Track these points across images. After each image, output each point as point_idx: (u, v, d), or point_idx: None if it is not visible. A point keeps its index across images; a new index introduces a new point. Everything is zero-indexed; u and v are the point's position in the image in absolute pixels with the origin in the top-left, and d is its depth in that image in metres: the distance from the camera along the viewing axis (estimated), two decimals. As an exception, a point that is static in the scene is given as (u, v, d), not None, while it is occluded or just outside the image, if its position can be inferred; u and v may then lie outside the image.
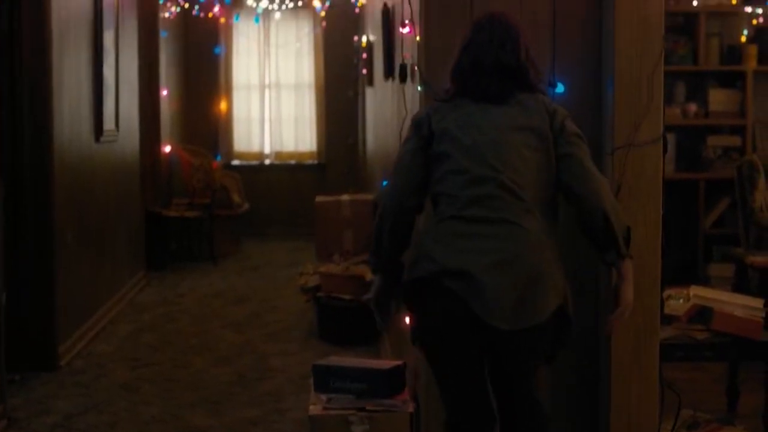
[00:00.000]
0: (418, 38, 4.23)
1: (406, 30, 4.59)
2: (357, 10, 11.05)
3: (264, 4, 11.44)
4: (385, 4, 5.96)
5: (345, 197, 8.48)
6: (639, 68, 3.92)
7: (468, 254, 3.37)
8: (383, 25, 5.97)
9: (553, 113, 3.52)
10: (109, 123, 7.94)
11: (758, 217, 7.15)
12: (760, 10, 8.29)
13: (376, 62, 8.34)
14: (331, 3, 11.82)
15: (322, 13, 12.40)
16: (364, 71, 10.15)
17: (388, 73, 5.85)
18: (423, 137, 3.55)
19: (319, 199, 8.67)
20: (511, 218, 3.39)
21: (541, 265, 3.40)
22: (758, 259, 6.45)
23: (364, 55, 10.24)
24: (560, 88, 4.01)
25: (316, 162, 13.19)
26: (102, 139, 7.72)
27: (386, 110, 6.59)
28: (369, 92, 9.18)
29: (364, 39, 9.75)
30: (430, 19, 4.09)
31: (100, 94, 7.66)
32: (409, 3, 4.29)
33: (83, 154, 7.28)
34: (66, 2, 6.79)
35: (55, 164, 6.46)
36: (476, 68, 3.55)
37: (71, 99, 6.91)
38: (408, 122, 3.95)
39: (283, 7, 11.51)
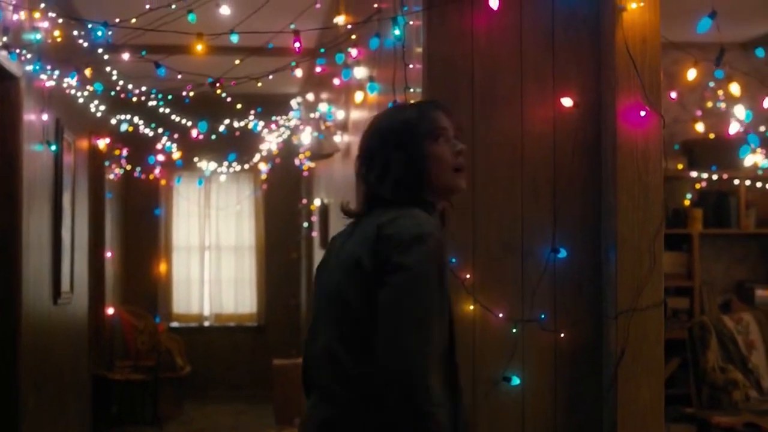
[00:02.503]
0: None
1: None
2: (305, 173, 11.20)
3: (212, 166, 11.53)
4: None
5: (303, 360, 8.43)
6: (641, 234, 4.01)
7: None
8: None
9: (386, 240, 2.78)
10: (65, 285, 7.88)
11: (712, 377, 7.23)
12: (705, 175, 8.57)
13: (333, 225, 8.42)
14: (272, 166, 11.96)
15: (263, 176, 12.54)
16: (315, 234, 10.22)
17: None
18: None
19: (276, 362, 8.62)
20: (326, 389, 2.86)
21: None
22: (723, 419, 6.51)
23: (314, 218, 10.33)
24: (563, 254, 4.09)
25: (255, 324, 13.16)
26: (59, 301, 7.65)
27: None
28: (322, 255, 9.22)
29: (316, 202, 9.84)
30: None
31: (58, 255, 7.62)
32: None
33: (44, 317, 7.19)
34: (33, 162, 6.79)
35: (22, 329, 6.36)
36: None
37: (35, 260, 6.86)
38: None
39: (230, 170, 11.59)
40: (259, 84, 5.70)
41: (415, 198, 2.95)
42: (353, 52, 6.10)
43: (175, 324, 12.92)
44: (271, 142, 10.94)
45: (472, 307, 4.04)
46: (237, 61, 6.12)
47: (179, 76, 5.39)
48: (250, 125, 10.32)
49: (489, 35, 4.13)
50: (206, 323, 13.19)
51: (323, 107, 8.37)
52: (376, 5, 5.35)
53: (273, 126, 10.72)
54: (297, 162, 11.42)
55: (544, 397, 4.10)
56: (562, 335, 4.08)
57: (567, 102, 4.09)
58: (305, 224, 11.31)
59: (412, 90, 4.26)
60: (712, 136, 8.62)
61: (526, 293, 4.08)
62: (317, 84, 9.38)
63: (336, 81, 7.36)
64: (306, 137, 8.76)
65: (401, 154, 2.97)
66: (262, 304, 13.15)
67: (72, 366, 8.49)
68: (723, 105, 8.72)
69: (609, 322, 4.04)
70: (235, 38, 4.96)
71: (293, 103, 11.03)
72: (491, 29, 4.13)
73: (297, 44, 4.66)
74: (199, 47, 4.44)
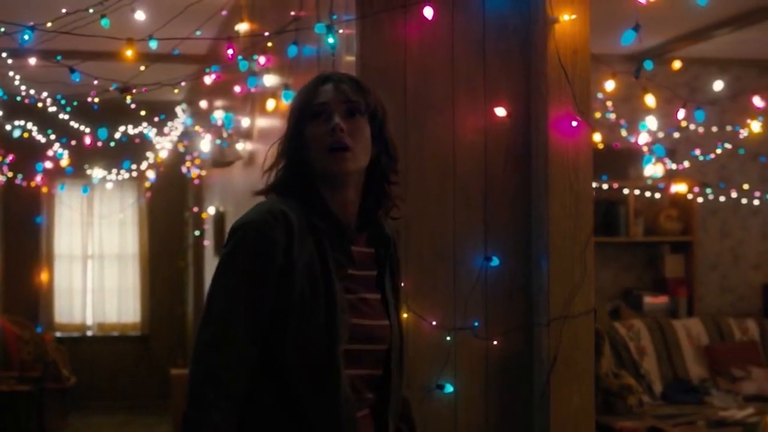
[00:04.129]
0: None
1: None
2: (196, 181, 11.08)
3: (100, 174, 11.31)
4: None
5: (202, 369, 8.29)
6: (572, 243, 4.08)
7: None
8: (272, 198, 5.98)
9: None
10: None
11: (606, 383, 7.38)
12: (594, 184, 8.72)
13: (230, 233, 8.34)
14: (158, 174, 11.79)
15: (147, 184, 12.34)
16: (207, 242, 10.12)
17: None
18: None
19: (174, 371, 8.48)
20: None
21: None
22: (627, 424, 6.65)
23: (206, 226, 10.22)
24: (495, 261, 4.12)
25: (139, 333, 12.97)
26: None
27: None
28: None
29: (210, 210, 9.74)
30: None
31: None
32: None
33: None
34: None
35: None
36: None
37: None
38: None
39: (119, 177, 11.39)
40: (176, 91, 5.63)
41: (302, 185, 2.75)
42: (261, 59, 6.05)
43: (57, 334, 12.65)
44: (161, 149, 10.80)
45: (405, 315, 4.04)
46: (142, 68, 6.03)
47: (96, 82, 5.28)
48: (140, 132, 10.17)
49: (421, 45, 4.14)
50: (89, 333, 12.96)
51: (219, 115, 8.27)
52: (293, 13, 5.33)
53: (163, 133, 10.58)
54: (184, 170, 11.29)
55: (476, 404, 4.13)
56: (495, 342, 4.12)
57: (500, 112, 4.12)
58: (196, 232, 11.18)
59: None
60: (601, 146, 8.79)
61: (459, 301, 4.11)
62: (210, 91, 9.27)
63: (237, 89, 7.28)
64: (205, 145, 8.67)
65: (284, 139, 2.82)
66: (146, 313, 12.98)
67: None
68: (613, 116, 8.90)
69: (541, 330, 4.09)
70: (153, 44, 4.89)
71: (178, 110, 10.90)
72: (423, 39, 4.15)
73: (230, 51, 4.61)
74: (129, 53, 4.37)
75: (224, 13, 6.80)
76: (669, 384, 8.04)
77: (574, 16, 4.04)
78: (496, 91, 4.19)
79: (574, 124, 4.03)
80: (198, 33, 6.05)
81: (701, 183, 8.98)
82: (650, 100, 4.72)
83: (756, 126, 5.97)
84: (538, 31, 4.13)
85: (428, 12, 4.02)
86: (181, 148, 11.15)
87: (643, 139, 6.58)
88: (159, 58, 6.53)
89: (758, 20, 7.75)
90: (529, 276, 4.18)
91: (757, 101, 5.95)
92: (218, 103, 8.94)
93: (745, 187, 9.06)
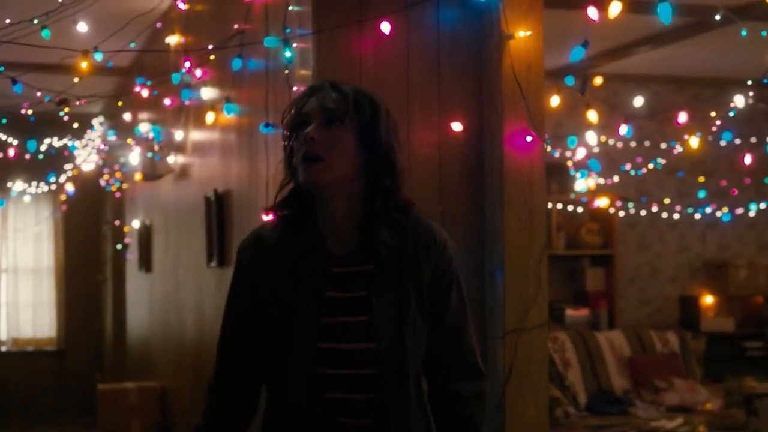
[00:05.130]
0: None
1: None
2: (117, 194, 10.94)
3: (19, 187, 11.09)
4: (215, 191, 5.99)
5: (130, 384, 8.21)
6: (527, 257, 4.12)
7: None
8: (212, 211, 5.96)
9: None
10: None
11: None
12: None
13: (157, 247, 8.29)
14: (76, 187, 11.60)
15: (62, 197, 12.13)
16: (130, 256, 10.01)
17: (220, 258, 5.85)
18: None
19: (101, 387, 8.34)
20: None
21: None
22: (564, 433, 6.73)
23: (128, 240, 10.12)
24: (452, 275, 4.14)
25: (55, 348, 12.75)
26: None
27: (200, 297, 6.55)
28: (142, 277, 9.05)
29: (134, 223, 9.63)
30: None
31: None
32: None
33: None
34: None
35: None
36: None
37: None
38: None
39: (38, 190, 11.18)
40: (120, 103, 5.58)
41: (299, 201, 2.72)
42: (198, 72, 6.00)
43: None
44: (83, 162, 10.63)
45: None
46: (76, 80, 5.96)
47: (39, 94, 5.21)
48: (65, 145, 10.01)
49: (376, 59, 4.17)
50: (3, 348, 12.70)
51: (145, 127, 8.18)
52: (237, 26, 5.31)
53: (84, 146, 10.42)
54: (103, 183, 11.13)
55: (432, 416, 4.14)
56: (451, 355, 4.13)
57: (457, 126, 4.16)
58: (117, 246, 11.03)
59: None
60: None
61: (414, 314, 4.11)
62: (134, 104, 9.13)
63: (167, 101, 7.19)
64: (134, 157, 8.58)
65: (284, 154, 2.77)
66: (62, 328, 12.76)
67: None
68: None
69: (496, 342, 4.12)
70: (99, 56, 4.84)
71: (95, 122, 10.75)
72: (379, 53, 4.17)
73: (187, 63, 4.59)
74: (84, 64, 4.32)
75: (159, 25, 6.75)
76: (593, 395, 8.15)
77: (529, 32, 4.08)
78: (450, 106, 4.23)
79: (529, 139, 4.08)
80: (132, 45, 6.00)
81: (622, 197, 9.14)
82: (592, 115, 4.78)
83: (694, 141, 6.07)
84: (493, 46, 4.17)
85: (385, 27, 4.04)
86: (99, 161, 10.98)
87: (580, 153, 6.68)
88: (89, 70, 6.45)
89: (677, 38, 7.91)
90: (483, 289, 4.21)
91: (682, 117, 6.03)
92: (144, 115, 8.83)
93: (666, 201, 9.23)
